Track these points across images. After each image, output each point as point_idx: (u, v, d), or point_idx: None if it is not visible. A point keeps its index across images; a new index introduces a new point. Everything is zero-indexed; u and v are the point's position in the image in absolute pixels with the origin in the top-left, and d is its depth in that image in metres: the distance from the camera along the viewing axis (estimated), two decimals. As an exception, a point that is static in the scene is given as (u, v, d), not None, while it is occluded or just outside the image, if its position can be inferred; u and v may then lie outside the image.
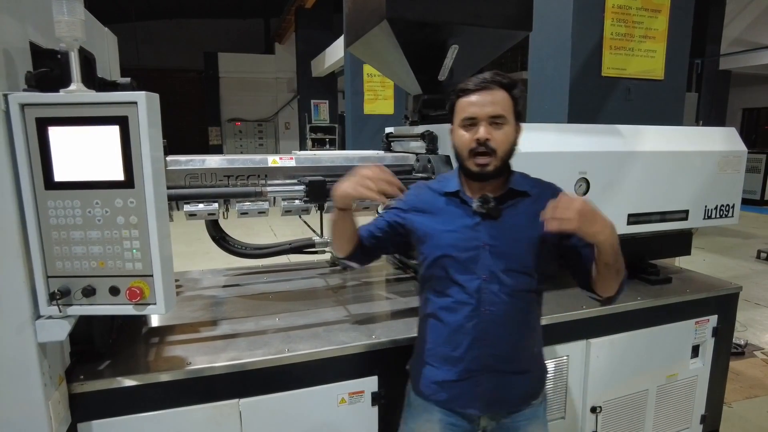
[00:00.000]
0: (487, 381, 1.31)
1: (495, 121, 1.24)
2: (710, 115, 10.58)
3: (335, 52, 9.75)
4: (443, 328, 1.33)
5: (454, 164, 1.77)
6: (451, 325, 1.31)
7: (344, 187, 1.28)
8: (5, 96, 1.08)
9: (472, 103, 1.24)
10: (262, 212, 1.67)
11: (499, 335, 1.29)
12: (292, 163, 1.75)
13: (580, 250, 1.31)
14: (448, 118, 1.35)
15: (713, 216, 2.16)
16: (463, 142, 1.27)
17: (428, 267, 1.34)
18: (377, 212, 2.07)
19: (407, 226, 1.39)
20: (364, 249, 1.43)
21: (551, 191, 1.33)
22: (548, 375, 1.48)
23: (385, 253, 1.56)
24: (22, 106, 1.09)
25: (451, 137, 1.33)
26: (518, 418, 1.36)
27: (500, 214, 1.28)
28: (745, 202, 4.01)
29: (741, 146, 2.17)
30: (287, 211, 1.70)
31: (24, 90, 1.14)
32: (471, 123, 1.25)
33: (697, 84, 10.67)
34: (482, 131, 1.23)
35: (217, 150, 14.23)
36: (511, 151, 1.29)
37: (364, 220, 1.53)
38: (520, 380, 1.34)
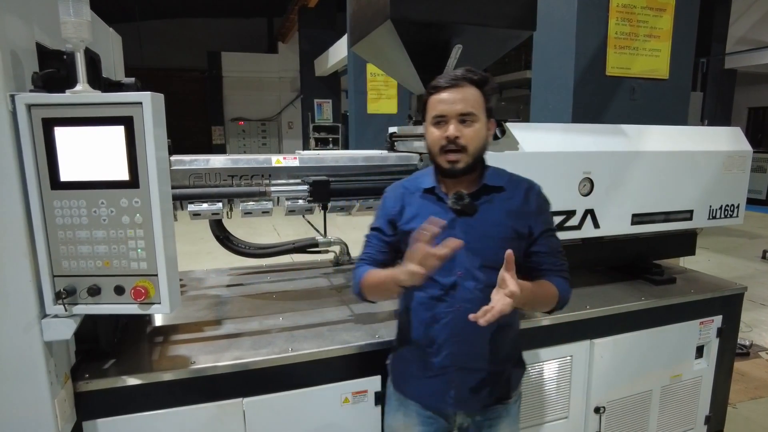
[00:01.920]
0: (460, 379, 1.32)
1: (465, 118, 1.24)
2: (715, 115, 10.52)
3: (338, 52, 9.75)
4: (419, 324, 1.34)
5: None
6: (426, 320, 1.32)
7: (416, 270, 1.16)
8: (12, 96, 1.08)
9: (442, 101, 1.24)
10: (266, 212, 1.68)
11: (474, 332, 1.28)
12: (296, 163, 1.75)
13: (540, 256, 1.34)
14: (421, 115, 1.36)
15: (718, 216, 2.15)
16: (434, 139, 1.27)
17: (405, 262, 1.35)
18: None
19: (395, 234, 1.39)
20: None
21: (526, 186, 1.35)
22: (526, 373, 1.48)
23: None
24: (29, 107, 1.10)
25: (425, 135, 1.34)
26: (491, 415, 1.38)
27: (475, 211, 1.29)
28: (750, 201, 3.99)
29: (746, 146, 2.16)
30: (291, 211, 1.70)
31: (30, 90, 1.15)
32: (442, 120, 1.25)
33: (702, 83, 10.60)
34: (452, 129, 1.23)
35: (221, 149, 14.25)
36: (482, 147, 1.29)
37: (364, 219, 1.52)
38: (494, 379, 1.35)
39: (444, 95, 1.24)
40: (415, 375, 1.37)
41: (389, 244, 1.39)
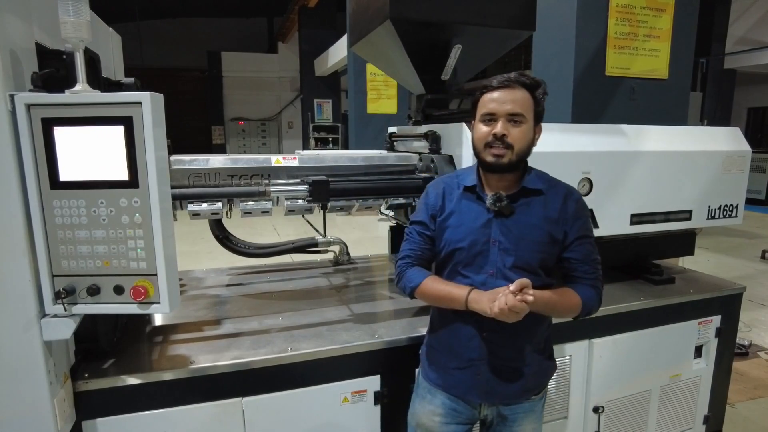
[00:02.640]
0: (488, 372, 1.35)
1: (513, 119, 1.27)
2: (715, 115, 10.52)
3: (338, 52, 9.76)
4: (450, 317, 1.38)
5: (458, 164, 1.78)
6: (457, 315, 1.35)
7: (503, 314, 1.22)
8: (11, 96, 1.08)
9: (492, 100, 1.28)
10: (265, 212, 1.68)
11: (502, 330, 1.31)
12: (296, 163, 1.75)
13: (572, 263, 1.36)
14: (471, 114, 1.38)
15: (717, 216, 2.15)
16: (481, 135, 1.30)
17: (442, 258, 1.39)
18: (379, 211, 2.07)
19: (435, 230, 1.41)
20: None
21: (564, 191, 1.36)
22: (556, 370, 1.49)
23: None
24: (28, 107, 1.10)
25: (472, 132, 1.37)
26: (516, 410, 1.40)
27: (512, 212, 1.31)
28: (750, 201, 4.00)
29: (745, 146, 2.16)
30: (290, 211, 1.70)
31: (30, 90, 1.15)
32: (490, 119, 1.29)
33: (701, 83, 10.61)
34: (499, 127, 1.26)
35: (220, 149, 14.25)
36: (527, 149, 1.31)
37: (364, 219, 1.51)
38: (521, 374, 1.37)
39: (495, 95, 1.28)
40: (444, 366, 1.40)
41: (431, 239, 1.41)
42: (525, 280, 1.20)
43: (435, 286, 1.35)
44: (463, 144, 1.73)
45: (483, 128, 1.30)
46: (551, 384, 1.82)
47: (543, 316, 1.38)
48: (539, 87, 1.30)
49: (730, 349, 2.21)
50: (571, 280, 1.37)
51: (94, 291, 1.21)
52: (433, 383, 1.43)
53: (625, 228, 1.99)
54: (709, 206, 2.12)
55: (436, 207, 1.40)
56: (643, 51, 2.85)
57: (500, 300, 1.19)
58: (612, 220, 1.96)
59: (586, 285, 1.36)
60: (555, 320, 1.77)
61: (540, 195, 1.34)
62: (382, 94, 7.43)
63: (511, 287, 1.19)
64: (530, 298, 1.17)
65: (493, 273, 1.31)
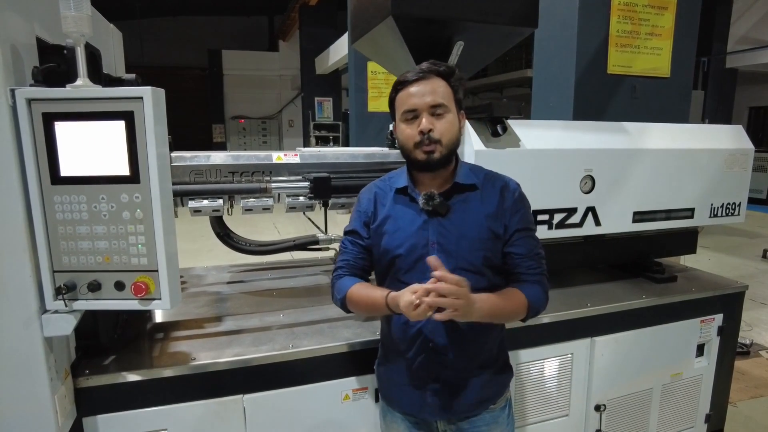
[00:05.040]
0: (437, 385, 1.28)
1: (435, 111, 1.20)
2: (716, 114, 10.50)
3: (339, 50, 9.74)
4: (396, 329, 1.31)
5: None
6: (402, 325, 1.29)
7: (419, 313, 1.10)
8: (12, 91, 1.08)
9: (411, 95, 1.21)
10: (266, 209, 1.67)
11: (448, 338, 1.25)
12: (297, 160, 1.74)
13: (514, 259, 1.28)
14: (390, 115, 1.32)
15: (719, 214, 2.15)
16: (407, 135, 1.23)
17: (381, 266, 1.32)
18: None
19: (370, 237, 1.34)
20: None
21: (501, 184, 1.30)
22: (512, 377, 1.42)
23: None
24: (29, 101, 1.09)
25: (395, 133, 1.30)
26: (477, 423, 1.33)
27: (448, 211, 1.24)
28: (751, 201, 3.98)
29: (748, 144, 2.15)
30: (291, 208, 1.70)
31: (31, 85, 1.14)
32: (413, 115, 1.22)
33: (703, 82, 10.59)
34: (425, 122, 1.19)
35: (221, 147, 14.24)
36: (456, 140, 1.24)
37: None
38: (472, 385, 1.29)
39: (413, 89, 1.21)
40: (396, 382, 1.34)
41: (366, 248, 1.34)
42: (449, 275, 1.07)
43: (359, 291, 1.26)
44: (464, 140, 1.72)
45: (407, 128, 1.22)
46: (551, 382, 1.83)
47: (491, 324, 1.29)
48: (453, 74, 1.23)
49: (731, 348, 2.20)
50: (515, 278, 1.29)
51: (94, 287, 1.20)
52: (389, 402, 1.38)
53: (627, 226, 1.99)
54: (712, 204, 2.12)
55: (368, 213, 1.33)
56: (644, 49, 2.85)
57: (420, 293, 1.05)
58: (614, 218, 1.95)
59: (531, 282, 1.27)
60: (554, 318, 1.77)
61: (475, 190, 1.27)
62: (382, 93, 7.41)
63: (435, 274, 1.07)
64: (452, 276, 1.05)
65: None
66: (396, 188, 1.31)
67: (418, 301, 1.06)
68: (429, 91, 1.20)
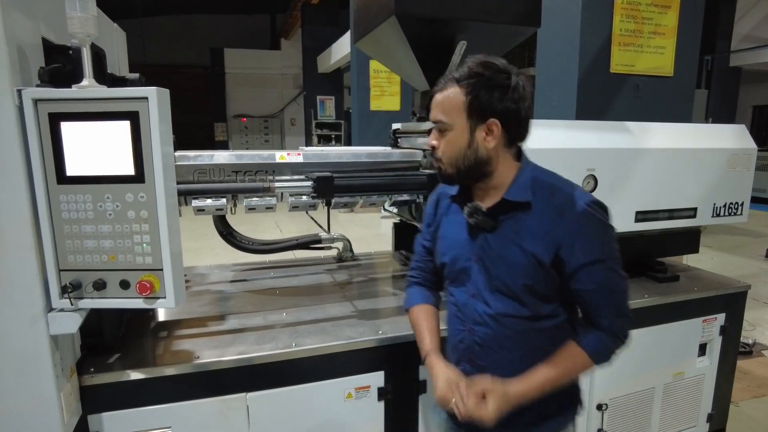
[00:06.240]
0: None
1: (439, 127, 1.12)
2: (720, 113, 10.47)
3: (341, 48, 9.74)
4: (449, 332, 1.29)
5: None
6: (450, 331, 1.27)
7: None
8: (19, 91, 1.09)
9: (431, 107, 1.16)
10: (269, 208, 1.68)
11: (487, 361, 1.17)
12: (300, 159, 1.75)
13: (581, 295, 1.12)
14: None
15: (722, 214, 2.14)
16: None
17: (440, 272, 1.31)
18: (383, 208, 2.07)
19: (431, 240, 1.35)
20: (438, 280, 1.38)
21: (562, 201, 1.09)
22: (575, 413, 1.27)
23: None
24: (35, 102, 1.10)
25: None
26: None
27: (493, 227, 1.13)
28: (754, 200, 3.97)
29: (751, 143, 2.15)
30: (294, 207, 1.71)
31: (37, 85, 1.15)
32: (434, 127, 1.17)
33: (706, 81, 10.55)
34: (430, 138, 1.15)
35: (223, 146, 14.26)
36: (461, 157, 1.10)
37: (367, 216, 1.51)
38: (507, 417, 1.12)
39: (433, 100, 1.14)
40: None
41: (429, 251, 1.35)
42: (488, 383, 1.05)
43: (414, 321, 1.31)
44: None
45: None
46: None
47: (543, 349, 1.14)
48: (469, 77, 1.06)
49: (734, 348, 2.20)
50: (584, 318, 1.14)
51: (100, 285, 1.21)
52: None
53: (630, 225, 1.99)
54: (715, 204, 2.12)
55: (431, 216, 1.33)
56: (648, 48, 2.84)
57: (454, 400, 1.05)
58: (616, 218, 1.92)
59: (595, 327, 1.12)
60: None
61: (527, 208, 1.10)
62: (385, 91, 7.42)
63: (472, 390, 1.04)
64: (488, 414, 1.01)
65: (474, 294, 1.17)
66: (450, 195, 1.27)
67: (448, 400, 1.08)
68: (437, 104, 1.12)
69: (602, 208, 1.13)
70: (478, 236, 1.16)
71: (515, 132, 1.12)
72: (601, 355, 1.13)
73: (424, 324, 1.29)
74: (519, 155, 1.18)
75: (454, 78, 1.09)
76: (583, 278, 1.08)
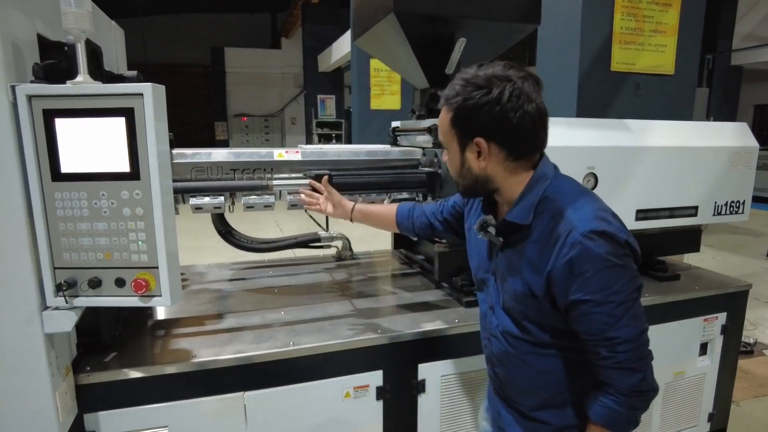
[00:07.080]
0: (499, 403, 1.24)
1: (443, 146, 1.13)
2: (721, 111, 10.44)
3: (342, 47, 9.73)
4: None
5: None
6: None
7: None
8: (13, 87, 1.08)
9: None
10: (268, 206, 1.67)
11: (503, 373, 1.18)
12: (298, 157, 1.74)
13: (580, 338, 1.01)
14: None
15: (723, 212, 2.13)
16: None
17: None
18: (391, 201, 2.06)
19: (458, 220, 1.38)
20: (417, 226, 1.50)
21: (560, 230, 0.97)
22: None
23: (440, 237, 1.55)
24: (30, 98, 1.09)
25: None
26: None
27: (501, 244, 1.08)
28: (756, 200, 3.96)
29: (752, 142, 2.14)
30: (293, 205, 1.70)
31: (31, 82, 1.14)
32: None
33: (708, 79, 10.53)
34: (443, 154, 1.18)
35: (224, 145, 14.25)
36: (465, 174, 1.06)
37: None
38: (525, 421, 1.15)
39: None
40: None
41: (448, 219, 1.41)
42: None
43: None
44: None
45: None
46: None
47: (552, 373, 1.08)
48: (453, 97, 1.00)
49: (735, 347, 2.19)
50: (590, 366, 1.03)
51: (95, 283, 1.20)
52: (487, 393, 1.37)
53: (630, 224, 1.98)
54: (716, 202, 2.10)
55: (461, 207, 1.35)
56: (649, 46, 2.83)
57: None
58: (617, 216, 1.94)
59: (599, 393, 1.01)
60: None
61: (526, 232, 1.02)
62: (385, 90, 7.40)
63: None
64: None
65: (491, 306, 1.17)
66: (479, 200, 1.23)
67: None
68: (438, 123, 1.10)
69: (607, 238, 0.94)
70: (494, 250, 1.14)
71: (514, 146, 1.00)
72: (617, 421, 0.99)
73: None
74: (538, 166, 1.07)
75: (444, 96, 1.05)
76: (576, 318, 0.97)
